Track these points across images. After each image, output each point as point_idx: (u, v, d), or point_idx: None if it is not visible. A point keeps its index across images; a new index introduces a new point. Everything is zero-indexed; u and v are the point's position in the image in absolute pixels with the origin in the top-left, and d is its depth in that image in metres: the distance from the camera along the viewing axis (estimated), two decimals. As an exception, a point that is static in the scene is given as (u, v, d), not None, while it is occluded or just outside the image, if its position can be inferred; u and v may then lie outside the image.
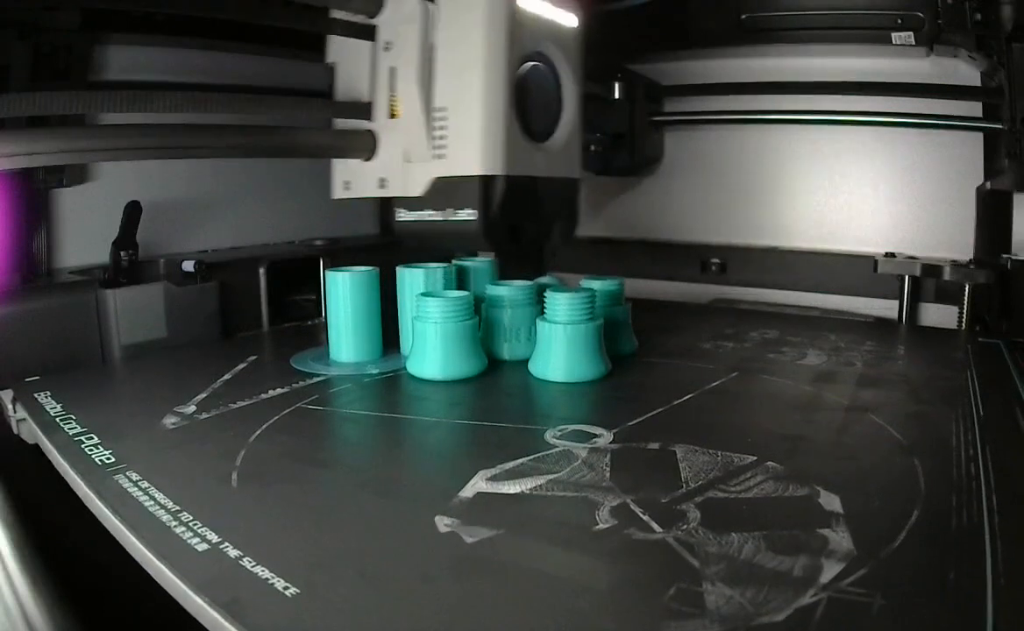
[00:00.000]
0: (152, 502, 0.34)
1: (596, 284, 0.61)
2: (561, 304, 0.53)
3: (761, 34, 0.88)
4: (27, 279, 0.67)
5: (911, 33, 0.79)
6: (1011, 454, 0.40)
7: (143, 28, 0.74)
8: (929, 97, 0.82)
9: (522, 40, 0.57)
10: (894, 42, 0.80)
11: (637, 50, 0.96)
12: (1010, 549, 0.29)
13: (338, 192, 0.64)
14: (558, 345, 0.53)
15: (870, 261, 0.85)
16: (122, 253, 0.66)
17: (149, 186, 0.72)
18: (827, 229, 0.93)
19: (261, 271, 0.79)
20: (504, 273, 0.66)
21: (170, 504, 0.34)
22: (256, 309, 0.78)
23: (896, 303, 0.85)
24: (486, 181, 0.55)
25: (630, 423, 0.44)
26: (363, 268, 0.61)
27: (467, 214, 0.56)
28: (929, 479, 0.36)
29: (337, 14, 0.59)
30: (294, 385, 0.53)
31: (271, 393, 0.51)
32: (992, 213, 0.81)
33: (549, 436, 0.42)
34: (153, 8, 0.70)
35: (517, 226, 0.60)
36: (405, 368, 0.56)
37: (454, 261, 0.65)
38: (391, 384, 0.54)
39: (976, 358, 0.61)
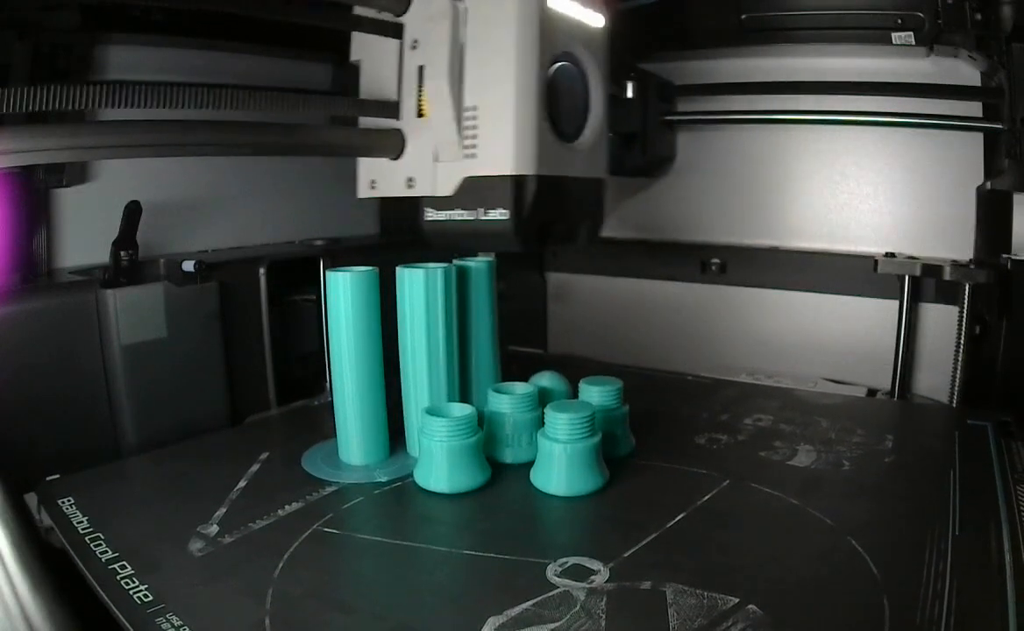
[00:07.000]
0: None
1: (595, 390, 0.61)
2: (562, 423, 0.54)
3: (761, 34, 0.88)
4: (27, 279, 0.67)
5: (911, 33, 0.79)
6: (975, 589, 0.41)
7: (144, 28, 0.74)
8: (929, 97, 0.82)
9: (552, 39, 0.56)
10: (894, 42, 0.80)
11: (648, 49, 0.96)
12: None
13: (364, 191, 0.63)
14: (559, 462, 0.54)
15: (870, 261, 0.85)
16: (122, 253, 0.66)
17: (149, 186, 0.72)
18: (827, 229, 0.93)
19: (261, 271, 0.78)
20: (503, 272, 0.65)
21: None
22: (257, 311, 0.78)
23: (896, 303, 0.85)
24: (518, 181, 0.55)
25: (625, 554, 0.46)
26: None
27: (499, 214, 0.55)
28: (894, 624, 0.38)
29: (362, 12, 0.59)
30: (308, 498, 0.54)
31: (288, 508, 0.52)
32: (992, 213, 0.81)
33: (550, 573, 0.44)
34: (164, 3, 0.69)
35: (546, 226, 0.59)
36: (412, 477, 0.57)
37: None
38: (400, 498, 0.56)
39: (961, 450, 0.61)
